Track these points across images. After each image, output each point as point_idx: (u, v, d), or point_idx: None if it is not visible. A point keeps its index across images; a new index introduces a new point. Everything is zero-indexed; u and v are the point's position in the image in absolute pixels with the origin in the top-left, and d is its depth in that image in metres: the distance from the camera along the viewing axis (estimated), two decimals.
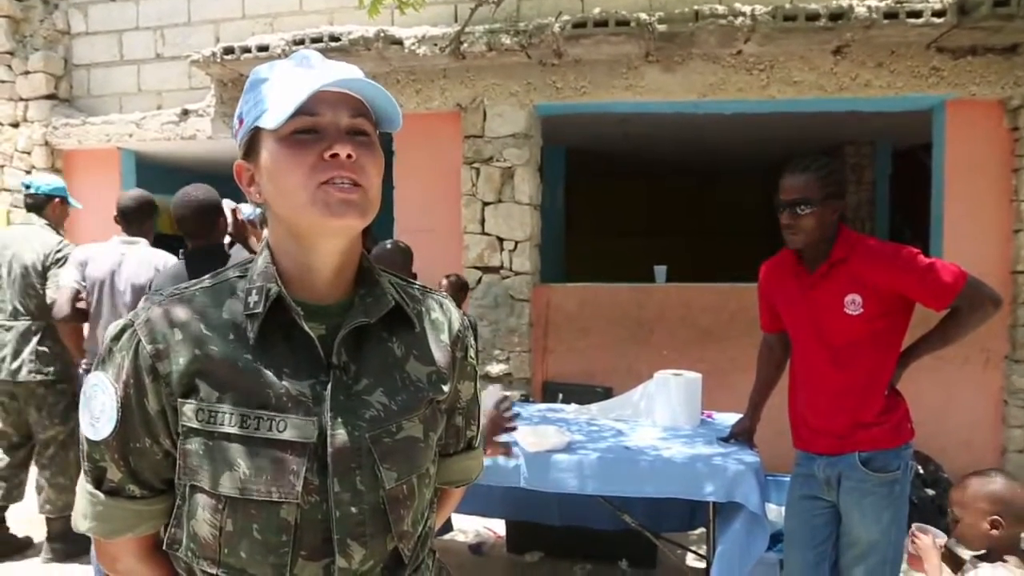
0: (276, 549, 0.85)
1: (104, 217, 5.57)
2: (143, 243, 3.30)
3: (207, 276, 0.95)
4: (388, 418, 0.91)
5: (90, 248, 3.34)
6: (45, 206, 3.63)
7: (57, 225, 3.70)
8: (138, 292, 3.12)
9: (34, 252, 3.47)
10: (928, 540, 1.95)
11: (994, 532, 1.84)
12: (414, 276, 3.07)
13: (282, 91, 0.87)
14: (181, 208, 2.74)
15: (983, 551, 1.87)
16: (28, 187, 3.66)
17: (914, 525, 2.03)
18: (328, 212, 0.85)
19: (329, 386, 0.88)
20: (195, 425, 0.86)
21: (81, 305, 3.24)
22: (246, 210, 3.94)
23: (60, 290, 3.27)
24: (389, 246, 3.21)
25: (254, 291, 0.89)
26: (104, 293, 3.20)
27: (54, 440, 3.54)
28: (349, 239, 0.92)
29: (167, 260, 3.21)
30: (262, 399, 0.86)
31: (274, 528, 0.85)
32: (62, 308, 3.22)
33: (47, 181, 3.72)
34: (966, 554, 1.95)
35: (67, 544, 3.49)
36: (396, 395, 0.93)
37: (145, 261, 3.18)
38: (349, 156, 0.85)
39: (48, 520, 3.53)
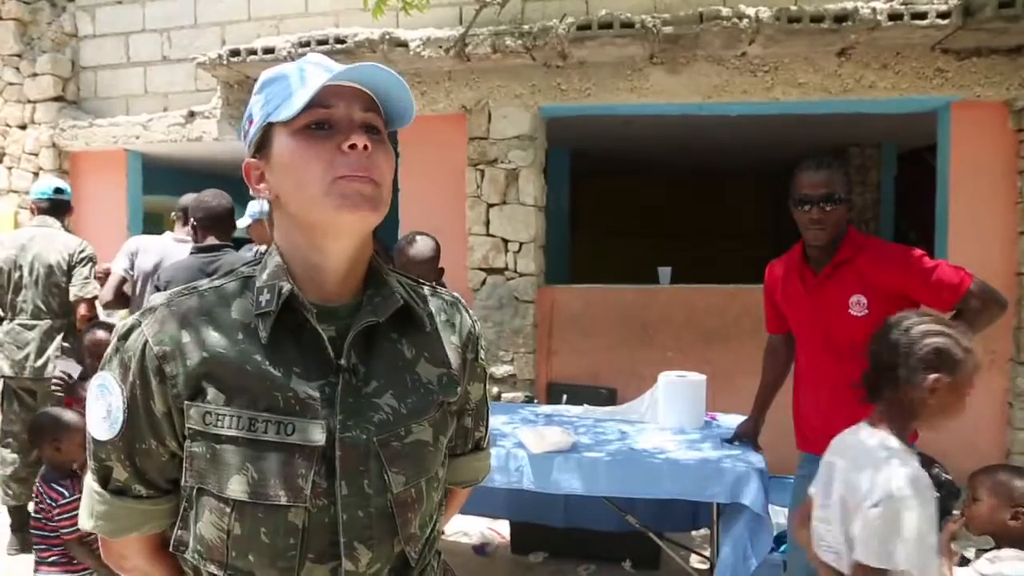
0: (284, 553, 0.84)
1: (110, 217, 5.65)
2: (190, 243, 3.44)
3: (216, 276, 0.94)
4: (397, 421, 0.90)
5: (142, 239, 3.52)
6: (68, 210, 3.78)
7: (68, 224, 3.82)
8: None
9: (58, 252, 3.57)
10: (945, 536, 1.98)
11: (1013, 523, 1.89)
12: (441, 271, 3.03)
13: (294, 87, 0.87)
14: (208, 210, 3.00)
15: (987, 535, 1.92)
16: (62, 192, 3.75)
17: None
18: (343, 203, 0.85)
19: (338, 388, 0.87)
20: (202, 428, 0.85)
21: (127, 289, 3.45)
22: (254, 207, 3.98)
23: (110, 276, 3.47)
24: (419, 239, 2.98)
25: (266, 289, 0.88)
26: (148, 285, 3.35)
27: None
28: (359, 238, 0.91)
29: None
30: (270, 402, 0.85)
31: (282, 532, 0.84)
32: (106, 295, 3.45)
33: (67, 186, 3.87)
34: (968, 549, 1.98)
35: None
36: (406, 398, 0.92)
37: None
38: (366, 147, 0.85)
39: None
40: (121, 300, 3.46)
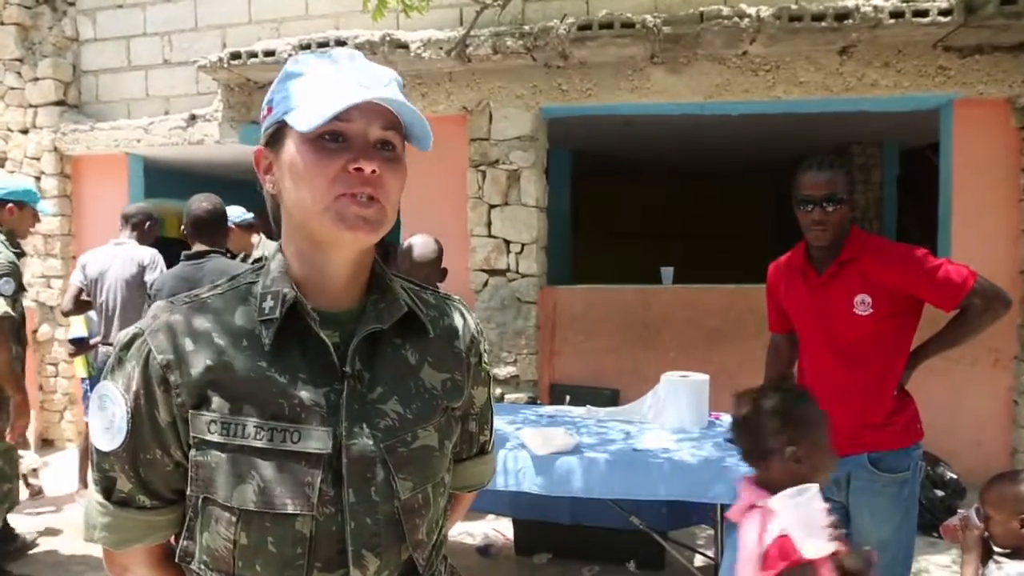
0: (292, 562, 0.83)
1: (112, 221, 5.64)
2: (131, 243, 3.86)
3: (220, 282, 0.93)
4: (403, 427, 0.90)
5: (90, 252, 3.96)
6: (8, 210, 3.44)
7: (16, 229, 3.47)
8: (124, 286, 3.75)
9: None
10: (975, 533, 1.94)
11: None
12: (444, 272, 3.03)
13: (316, 90, 0.84)
14: (190, 216, 3.02)
15: (1011, 549, 1.88)
16: None
17: (961, 512, 2.03)
18: (342, 224, 0.84)
19: (344, 395, 0.87)
20: (207, 437, 0.84)
21: (86, 298, 3.89)
22: (234, 214, 4.06)
23: (68, 288, 3.92)
24: (422, 241, 2.97)
25: (269, 296, 0.88)
26: (97, 291, 3.80)
27: None
28: (360, 251, 0.90)
29: (152, 256, 3.81)
30: (276, 410, 0.84)
31: (289, 541, 0.83)
32: (66, 304, 3.93)
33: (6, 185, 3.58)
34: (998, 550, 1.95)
35: None
36: (411, 403, 0.91)
37: (129, 258, 3.76)
38: (373, 172, 0.84)
39: None
40: (81, 306, 3.96)
